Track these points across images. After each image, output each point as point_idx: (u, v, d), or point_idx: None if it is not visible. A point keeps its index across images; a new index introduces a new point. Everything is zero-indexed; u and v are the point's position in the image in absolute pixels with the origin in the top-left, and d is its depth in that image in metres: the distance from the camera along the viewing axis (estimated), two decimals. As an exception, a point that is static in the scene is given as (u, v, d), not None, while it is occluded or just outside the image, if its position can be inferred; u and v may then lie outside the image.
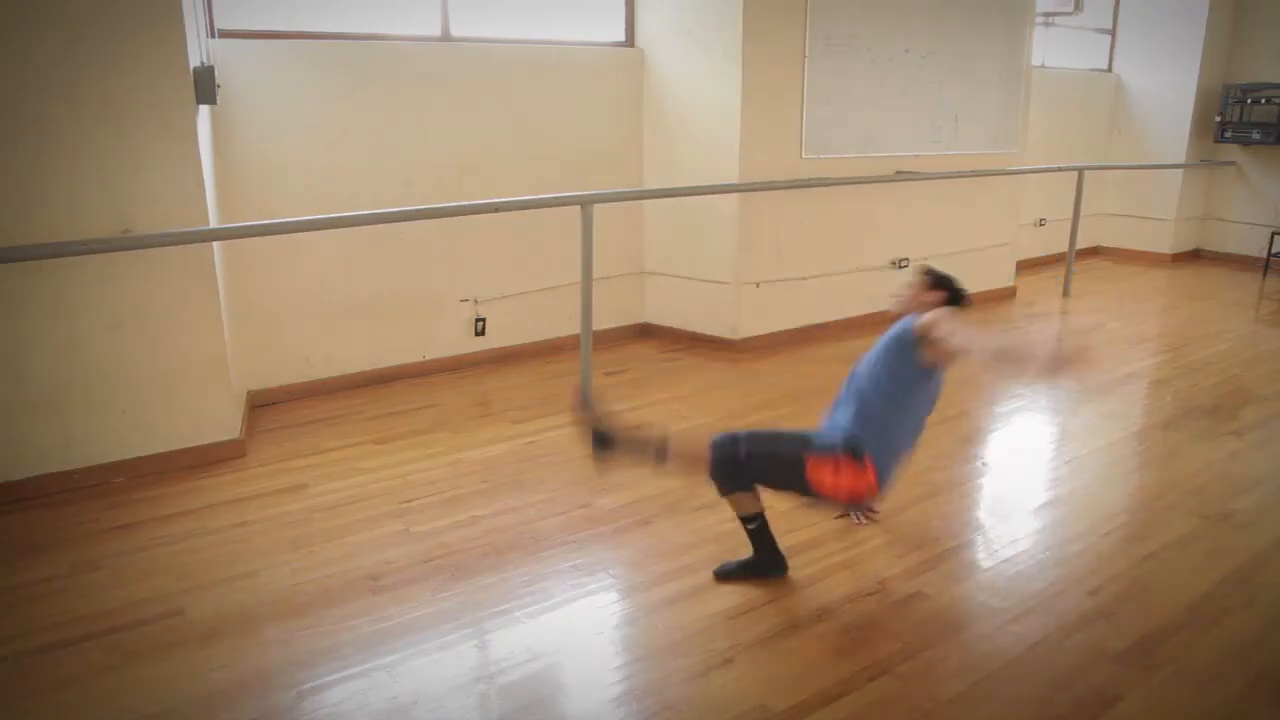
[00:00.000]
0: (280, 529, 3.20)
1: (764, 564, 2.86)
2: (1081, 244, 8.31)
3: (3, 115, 3.16)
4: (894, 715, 2.26)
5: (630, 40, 5.56)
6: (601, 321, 5.20)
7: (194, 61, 3.56)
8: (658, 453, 2.82)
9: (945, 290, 2.86)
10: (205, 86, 3.58)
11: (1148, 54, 8.65)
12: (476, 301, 5.12)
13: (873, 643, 2.54)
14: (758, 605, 2.71)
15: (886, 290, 6.20)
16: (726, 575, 2.87)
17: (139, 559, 2.99)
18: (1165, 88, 8.58)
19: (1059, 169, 7.35)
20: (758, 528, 2.84)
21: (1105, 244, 9.20)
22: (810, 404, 4.55)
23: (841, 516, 3.24)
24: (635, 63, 5.53)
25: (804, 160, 5.55)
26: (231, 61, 4.14)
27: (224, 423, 3.79)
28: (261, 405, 4.44)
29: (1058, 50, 8.40)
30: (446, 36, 4.84)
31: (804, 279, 5.77)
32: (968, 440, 4.15)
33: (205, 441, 3.73)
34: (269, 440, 4.02)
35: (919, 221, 6.35)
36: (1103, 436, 4.18)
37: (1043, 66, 8.16)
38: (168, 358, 3.60)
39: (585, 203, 4.35)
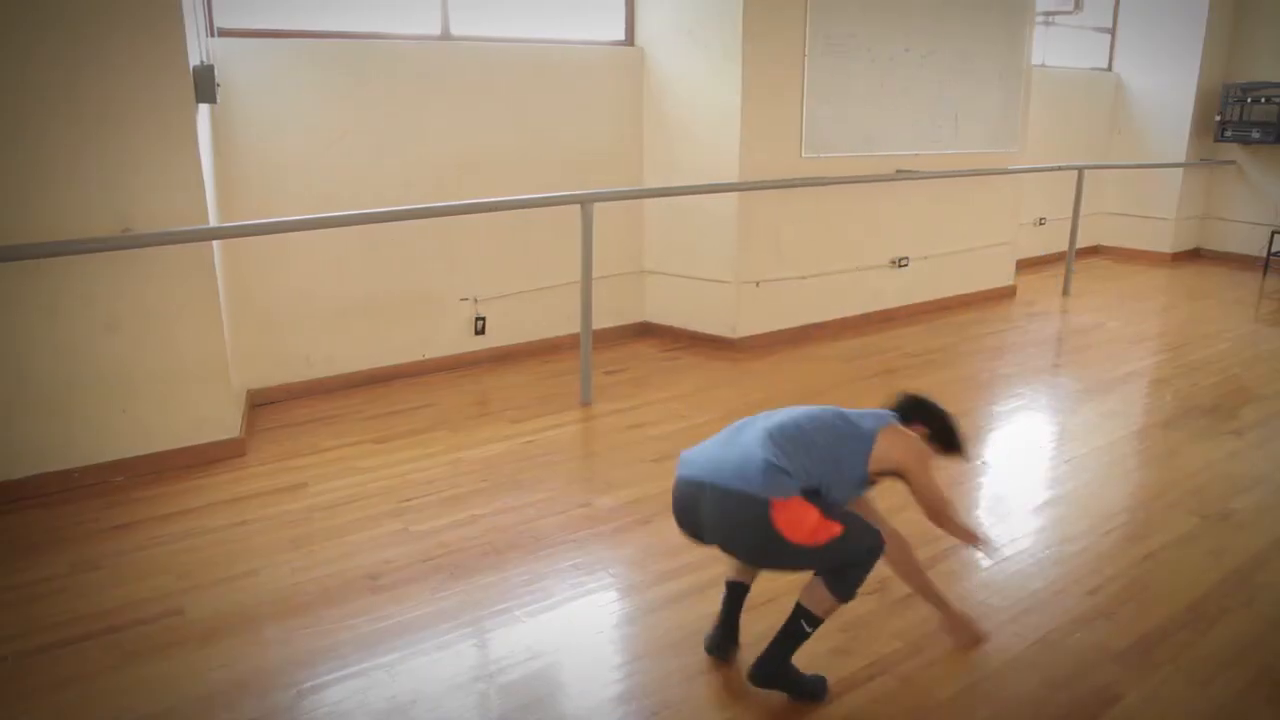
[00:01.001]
0: (279, 528, 3.20)
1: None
2: (1081, 243, 8.31)
3: (3, 115, 3.15)
4: (894, 715, 2.26)
5: (630, 39, 5.55)
6: (601, 320, 5.20)
7: (194, 60, 3.56)
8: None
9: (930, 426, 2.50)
10: (205, 85, 3.58)
11: (1148, 53, 8.65)
12: (476, 300, 5.12)
13: (872, 642, 2.54)
14: (757, 604, 2.70)
15: (887, 289, 6.27)
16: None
17: (138, 558, 2.99)
18: (1165, 87, 8.58)
19: (1059, 168, 7.35)
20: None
21: (1105, 243, 9.20)
22: (810, 403, 4.55)
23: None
24: (635, 62, 5.53)
25: (804, 159, 5.54)
26: (231, 60, 4.14)
27: (223, 422, 3.79)
28: (261, 404, 4.44)
29: (1058, 49, 8.40)
30: (446, 35, 4.83)
31: (803, 278, 5.76)
32: (967, 439, 4.14)
33: (204, 441, 3.73)
34: (268, 439, 4.02)
35: (919, 221, 6.35)
36: (1102, 436, 4.18)
37: (1043, 65, 8.16)
38: (167, 357, 3.60)
39: (585, 202, 4.35)
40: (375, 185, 4.58)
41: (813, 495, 2.24)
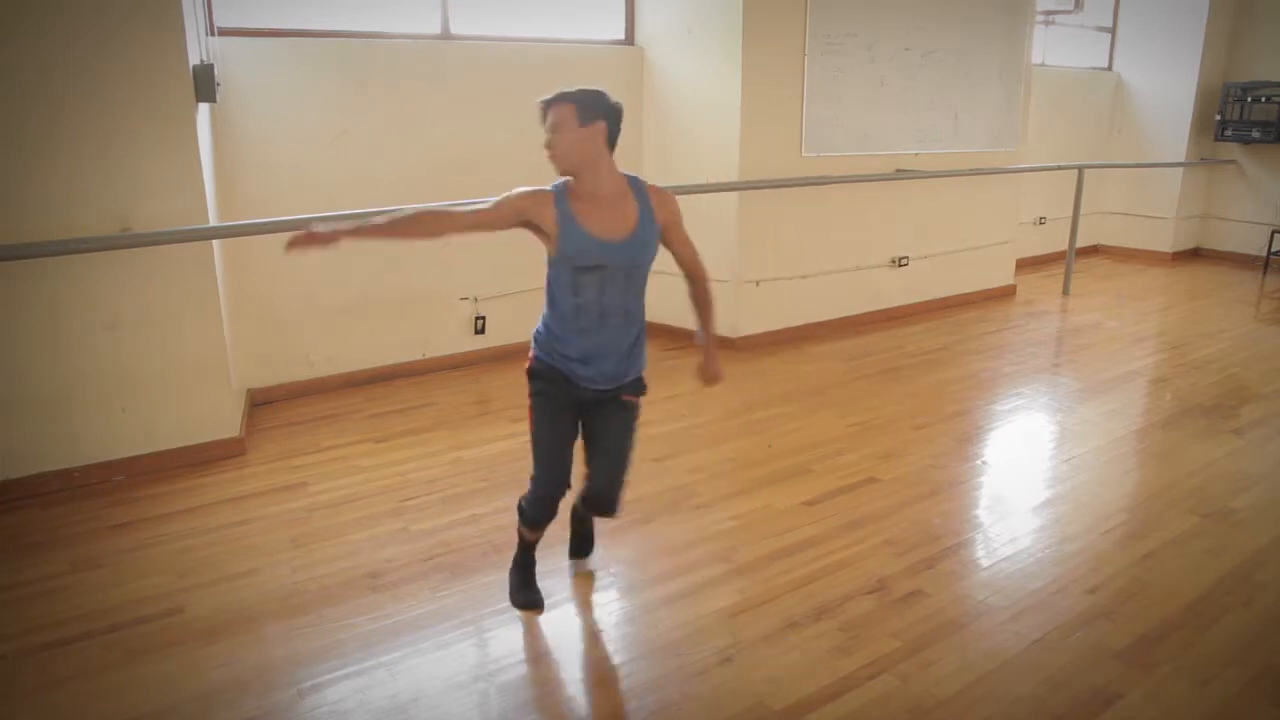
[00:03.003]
0: (280, 527, 3.20)
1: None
2: (1081, 242, 8.31)
3: (4, 114, 3.15)
4: (893, 714, 2.26)
5: (630, 39, 5.55)
6: (601, 320, 5.19)
7: (193, 59, 3.56)
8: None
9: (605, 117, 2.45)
10: (205, 84, 3.58)
11: (1148, 52, 8.65)
12: (476, 300, 5.12)
13: (872, 641, 2.54)
14: (757, 604, 2.72)
15: (887, 289, 6.27)
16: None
17: (139, 557, 2.99)
18: (1165, 86, 8.58)
19: (1059, 167, 7.35)
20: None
21: (1105, 242, 9.20)
22: (810, 403, 4.55)
23: None
24: (635, 61, 5.52)
25: (804, 158, 5.54)
26: (231, 59, 4.14)
27: (224, 421, 3.79)
28: (261, 403, 4.44)
29: (1058, 49, 8.40)
30: (446, 35, 4.83)
31: (804, 277, 5.76)
32: (967, 439, 4.15)
33: (205, 440, 3.73)
34: (269, 438, 4.02)
35: (919, 220, 6.35)
36: (1102, 435, 4.18)
37: (1043, 65, 8.16)
38: (167, 356, 3.61)
39: (585, 201, 4.35)
40: (375, 184, 4.58)
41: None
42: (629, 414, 2.54)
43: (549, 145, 2.47)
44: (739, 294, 5.46)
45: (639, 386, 2.57)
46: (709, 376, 2.65)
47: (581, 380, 2.46)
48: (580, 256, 2.38)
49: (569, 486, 2.53)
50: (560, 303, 2.46)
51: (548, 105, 2.48)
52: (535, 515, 2.59)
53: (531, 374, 2.53)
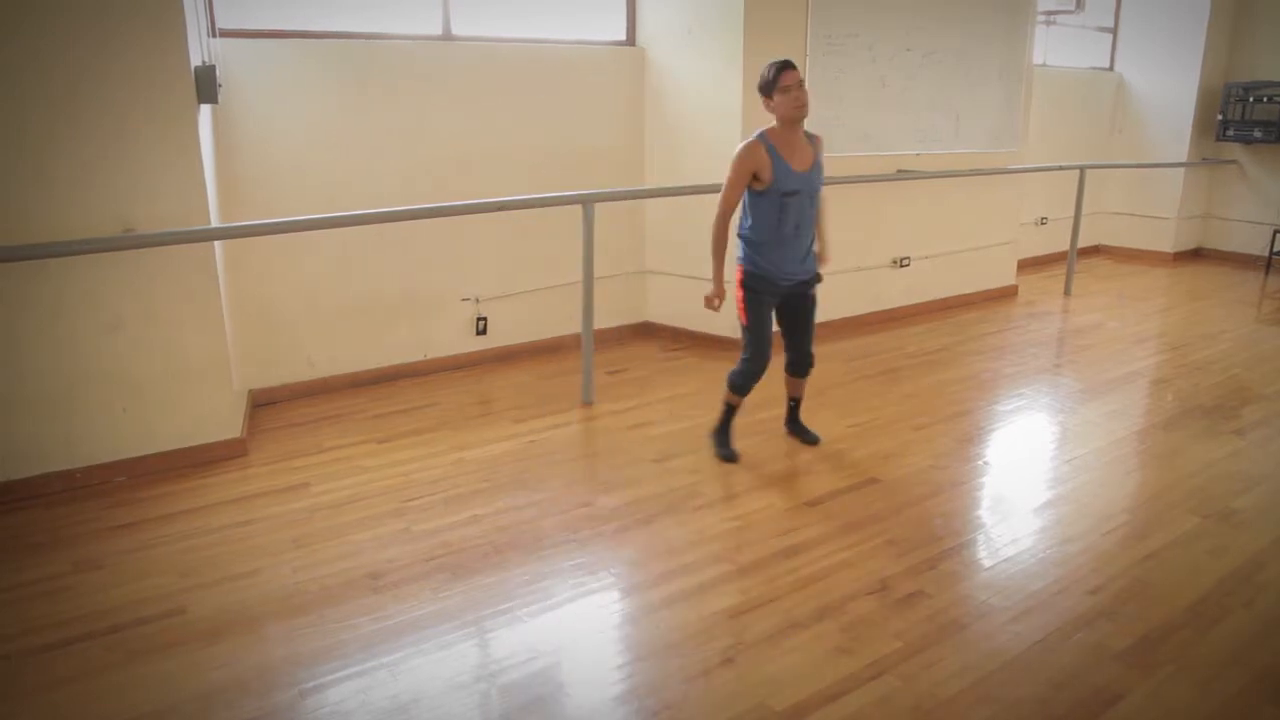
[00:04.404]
0: (282, 528, 3.20)
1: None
2: (1083, 243, 8.32)
3: (6, 116, 3.16)
4: (894, 714, 2.26)
5: (631, 39, 5.56)
6: (603, 320, 5.20)
7: (195, 61, 3.56)
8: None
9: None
10: (206, 86, 3.58)
11: (1149, 52, 8.65)
12: (478, 300, 5.12)
13: (873, 642, 2.54)
14: (759, 604, 2.72)
15: (888, 289, 6.26)
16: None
17: (140, 557, 3.00)
18: (1167, 86, 8.57)
19: (1061, 168, 7.35)
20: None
21: (1106, 243, 9.20)
22: (811, 403, 4.54)
23: None
24: (636, 61, 5.53)
25: (805, 159, 5.54)
26: (233, 61, 4.14)
27: (225, 422, 3.79)
28: (263, 404, 4.44)
29: (1059, 49, 8.40)
30: (448, 36, 4.84)
31: (805, 278, 5.76)
32: (969, 439, 4.15)
33: (207, 440, 3.74)
34: (270, 439, 4.02)
35: (920, 220, 6.35)
36: (1104, 435, 4.18)
37: (1044, 65, 8.16)
38: (169, 357, 3.61)
39: (586, 202, 4.35)
40: (376, 185, 4.58)
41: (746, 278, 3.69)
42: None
43: (805, 99, 3.36)
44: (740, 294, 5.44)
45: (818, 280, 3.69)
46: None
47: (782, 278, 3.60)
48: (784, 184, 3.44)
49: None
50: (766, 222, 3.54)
51: (794, 67, 3.35)
52: (747, 384, 3.73)
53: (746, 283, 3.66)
